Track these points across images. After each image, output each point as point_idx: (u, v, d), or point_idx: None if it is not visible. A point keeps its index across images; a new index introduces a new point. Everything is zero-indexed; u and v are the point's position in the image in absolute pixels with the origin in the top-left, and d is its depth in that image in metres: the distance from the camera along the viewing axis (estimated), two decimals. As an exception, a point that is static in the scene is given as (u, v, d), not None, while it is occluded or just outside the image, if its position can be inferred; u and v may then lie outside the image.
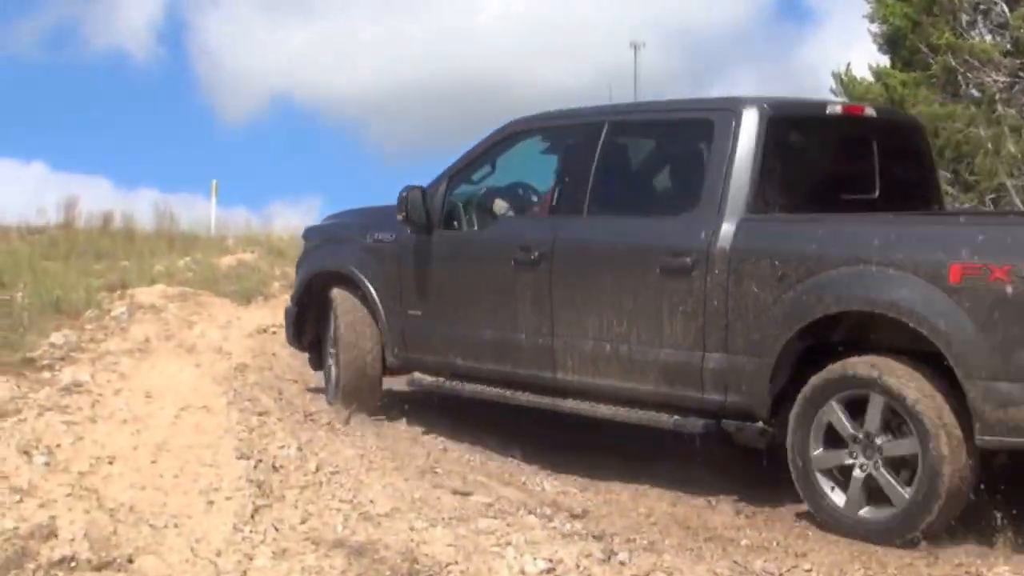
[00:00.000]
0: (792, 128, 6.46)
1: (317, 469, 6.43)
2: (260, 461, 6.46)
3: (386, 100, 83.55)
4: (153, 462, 6.45)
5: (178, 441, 6.95)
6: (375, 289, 8.04)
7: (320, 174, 71.06)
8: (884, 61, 12.83)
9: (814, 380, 5.63)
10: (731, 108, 6.24)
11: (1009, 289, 5.04)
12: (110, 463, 6.38)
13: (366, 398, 8.30)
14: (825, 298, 5.58)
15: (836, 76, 11.86)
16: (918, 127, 7.38)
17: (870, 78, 12.11)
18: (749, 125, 6.17)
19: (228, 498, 5.79)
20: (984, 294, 5.10)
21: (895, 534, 5.36)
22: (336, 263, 8.48)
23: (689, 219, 6.17)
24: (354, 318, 8.23)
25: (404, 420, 8.36)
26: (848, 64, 11.96)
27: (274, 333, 12.57)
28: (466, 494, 6.13)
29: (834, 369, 5.58)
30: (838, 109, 6.77)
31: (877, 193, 6.70)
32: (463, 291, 7.42)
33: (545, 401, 6.98)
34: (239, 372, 9.97)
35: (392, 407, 8.94)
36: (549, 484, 6.63)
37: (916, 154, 7.10)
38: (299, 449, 6.87)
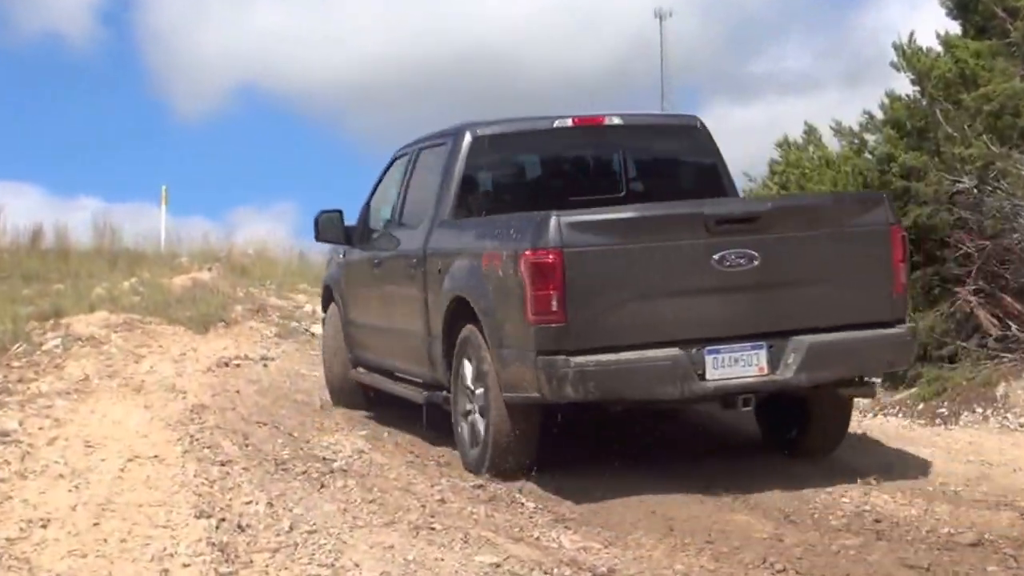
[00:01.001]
0: (504, 145, 9.18)
1: (291, 528, 6.41)
2: (223, 520, 6.45)
3: (370, 87, 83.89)
4: (95, 524, 6.41)
5: (124, 499, 6.95)
6: (340, 299, 10.92)
7: (292, 175, 71.23)
8: (954, 28, 12.84)
9: (456, 346, 8.29)
10: (456, 133, 9.10)
11: (500, 272, 7.65)
12: (44, 527, 6.37)
13: (338, 390, 11.03)
14: (449, 286, 8.32)
15: (897, 48, 11.85)
16: (691, 127, 9.46)
17: (937, 48, 12.08)
18: (461, 146, 8.99)
19: (185, 565, 5.76)
20: (494, 278, 7.73)
21: (482, 468, 8.04)
22: (327, 277, 11.49)
23: (423, 228, 8.98)
24: (332, 325, 11.05)
25: (394, 466, 8.39)
26: (912, 33, 11.92)
27: (238, 366, 12.61)
28: (470, 554, 6.11)
29: (459, 336, 8.21)
30: (568, 123, 9.15)
31: (624, 192, 9.24)
32: (359, 297, 10.51)
33: (388, 384, 9.93)
34: (196, 414, 9.99)
35: (378, 450, 8.93)
36: (567, 538, 6.58)
37: (686, 152, 9.45)
38: (269, 505, 6.85)
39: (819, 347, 7.54)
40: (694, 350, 7.44)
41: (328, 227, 10.36)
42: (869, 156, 12.56)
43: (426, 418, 9.16)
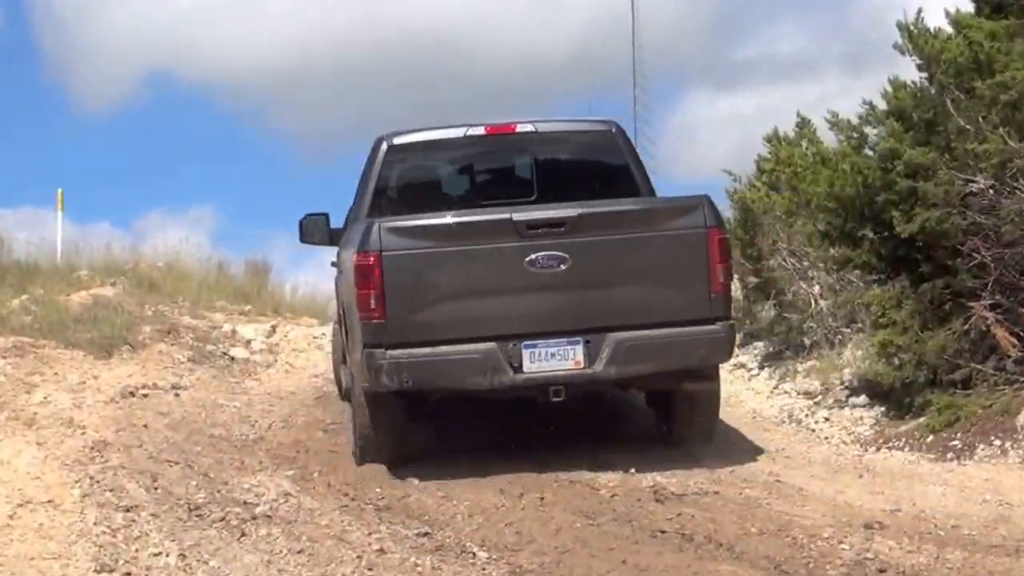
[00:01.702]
0: (420, 153, 11.17)
1: (206, 583, 6.41)
2: (128, 574, 6.41)
3: (303, 75, 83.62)
4: (-22, 580, 6.42)
5: (13, 550, 6.89)
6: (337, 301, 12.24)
7: (212, 175, 70.90)
8: (967, 6, 12.94)
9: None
10: (379, 139, 11.09)
11: (348, 276, 9.92)
12: (-82, 584, 6.34)
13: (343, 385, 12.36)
14: (336, 289, 10.73)
15: (902, 28, 11.92)
16: (604, 132, 11.22)
17: (948, 29, 12.16)
18: (378, 154, 10.99)
19: (83, 628, 5.74)
20: (346, 281, 10.23)
21: (358, 458, 10.02)
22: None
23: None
24: (335, 326, 13.10)
25: (325, 511, 8.39)
26: (919, 11, 12.00)
27: (145, 396, 12.53)
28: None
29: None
30: (480, 131, 10.96)
31: (535, 197, 10.82)
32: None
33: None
34: (97, 452, 9.93)
35: (308, 492, 8.91)
36: (526, 595, 6.63)
37: (600, 156, 11.22)
38: (181, 556, 6.83)
39: (629, 343, 9.43)
40: (511, 345, 9.40)
41: (313, 230, 11.81)
42: (870, 152, 12.61)
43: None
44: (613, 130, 11.30)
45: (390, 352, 9.37)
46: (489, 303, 9.47)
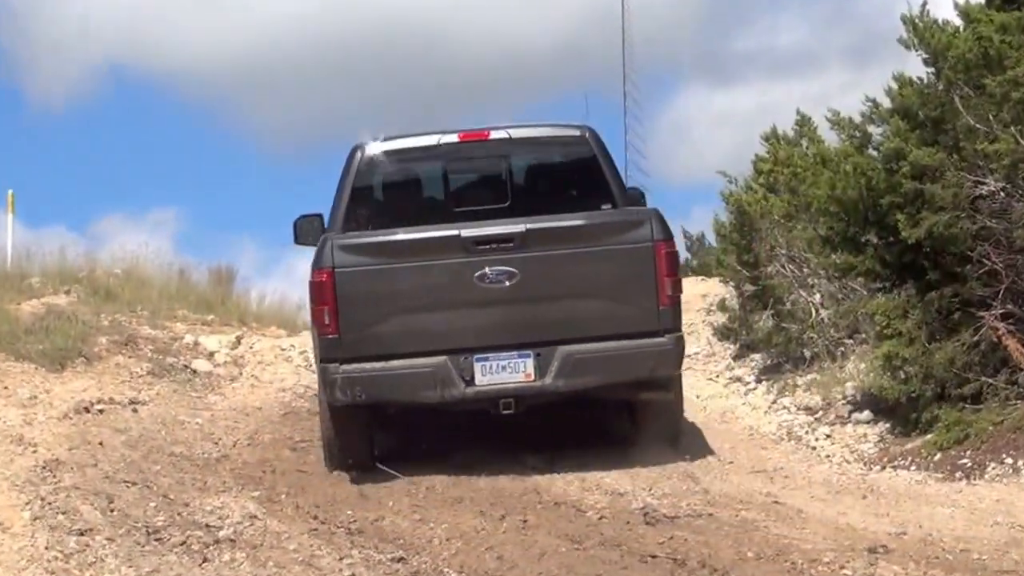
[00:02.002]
0: (395, 160, 11.70)
1: (165, 612, 6.40)
2: (81, 603, 6.39)
3: (271, 69, 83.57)
4: (-79, 609, 6.40)
5: (-42, 577, 6.86)
6: None
7: (175, 175, 70.72)
8: (976, -3, 12.96)
9: None
10: (355, 147, 11.57)
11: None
12: None
13: None
14: None
15: (907, 20, 11.95)
16: (578, 137, 11.72)
17: (957, 22, 12.19)
18: (353, 162, 11.45)
19: (33, 660, 5.72)
20: (309, 296, 10.82)
21: (327, 465, 10.82)
22: None
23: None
24: None
25: (293, 534, 8.37)
26: (925, 3, 12.03)
27: (101, 412, 12.50)
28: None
29: None
30: (454, 138, 11.61)
31: (509, 202, 11.39)
32: None
33: None
34: (49, 472, 9.90)
35: (274, 514, 8.89)
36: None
37: (573, 161, 11.80)
38: (138, 583, 6.80)
39: (578, 356, 10.33)
40: (463, 358, 10.31)
41: (307, 231, 11.98)
42: (874, 152, 12.66)
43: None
44: (586, 135, 11.86)
45: (344, 367, 10.33)
46: (440, 318, 10.39)
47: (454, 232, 10.45)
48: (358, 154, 11.66)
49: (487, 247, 10.40)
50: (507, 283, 10.35)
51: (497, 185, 11.95)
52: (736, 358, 15.99)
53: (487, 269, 10.36)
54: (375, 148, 11.71)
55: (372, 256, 10.54)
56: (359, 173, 11.62)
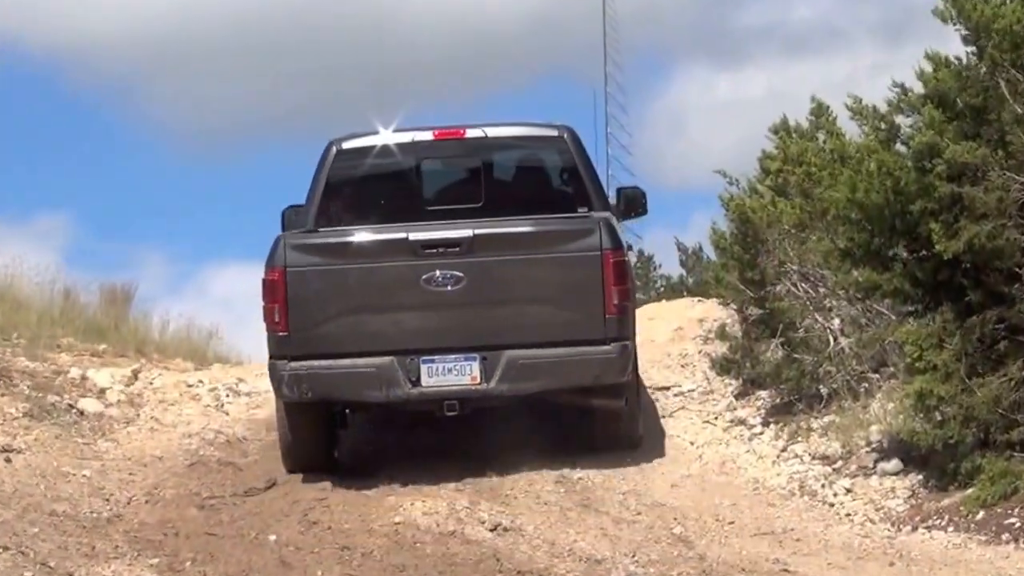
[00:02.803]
0: (363, 158, 13.97)
1: None
2: None
3: (181, 48, 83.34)
4: None
5: None
6: None
7: (65, 174, 70.48)
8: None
9: None
10: (329, 143, 13.88)
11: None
12: None
13: None
14: None
15: (945, -9, 11.99)
16: (555, 137, 14.03)
17: (1000, -9, 12.24)
18: (326, 159, 13.76)
19: None
20: None
21: (286, 466, 13.06)
22: None
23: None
24: None
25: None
26: (965, -33, 12.08)
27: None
28: None
29: None
30: (428, 136, 13.99)
31: (482, 203, 13.52)
32: None
33: None
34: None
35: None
36: None
37: (550, 162, 14.31)
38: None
39: (522, 361, 12.45)
40: (409, 360, 12.44)
41: (295, 223, 13.92)
42: (903, 148, 12.68)
43: None
44: (565, 136, 14.06)
45: (291, 364, 12.49)
46: (388, 319, 12.58)
47: (402, 235, 12.55)
48: (332, 150, 13.90)
49: (435, 251, 12.52)
50: (454, 287, 12.47)
51: (471, 185, 14.10)
52: (739, 396, 15.98)
53: (436, 272, 12.46)
54: (349, 144, 13.97)
55: (323, 256, 12.75)
56: (332, 170, 13.84)
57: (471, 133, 14.12)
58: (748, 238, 15.97)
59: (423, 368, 12.45)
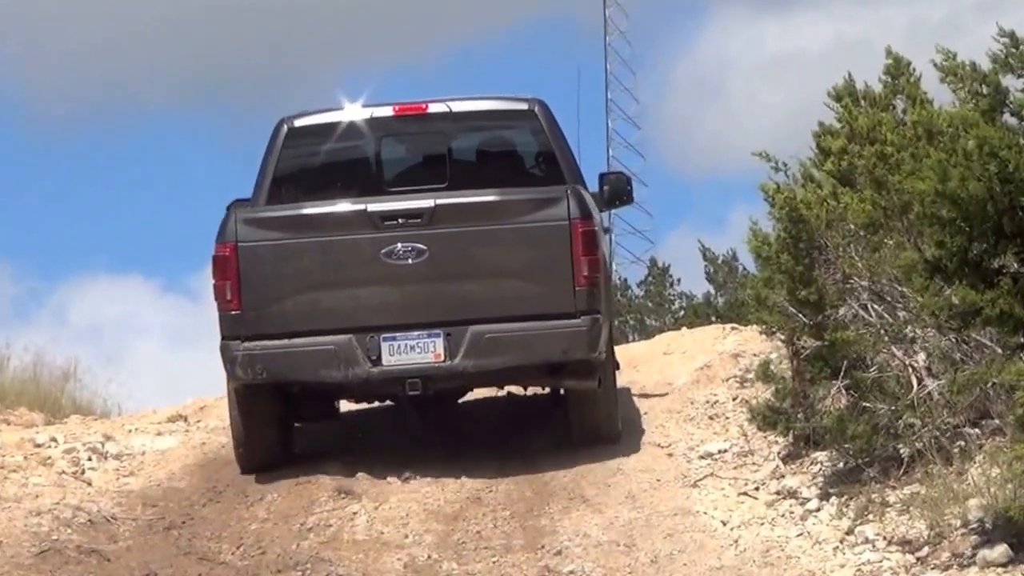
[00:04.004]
0: (316, 137, 17.00)
1: None
2: None
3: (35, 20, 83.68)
4: None
5: None
6: None
7: None
8: None
9: None
10: (279, 121, 16.79)
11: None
12: None
13: None
14: None
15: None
16: (526, 111, 17.06)
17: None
18: (277, 138, 16.78)
19: None
20: None
21: (241, 466, 16.59)
22: None
23: None
24: None
25: None
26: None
27: None
28: None
29: None
30: (388, 111, 16.95)
31: (447, 182, 16.64)
32: None
33: None
34: None
35: None
36: None
37: (519, 137, 17.63)
38: None
39: (488, 335, 15.42)
40: (369, 337, 15.38)
41: None
42: (1013, 120, 12.63)
43: None
44: (535, 109, 17.09)
45: (245, 344, 15.47)
46: (347, 295, 15.63)
47: (360, 207, 15.68)
48: (283, 128, 16.86)
49: (395, 223, 15.56)
50: (416, 260, 15.48)
51: (435, 163, 17.30)
52: (788, 459, 15.97)
53: (397, 245, 15.45)
54: (301, 122, 17.00)
55: (277, 230, 15.78)
56: (283, 150, 16.77)
57: (434, 108, 17.03)
58: (801, 243, 15.83)
59: (384, 346, 15.37)
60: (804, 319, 15.85)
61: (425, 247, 15.14)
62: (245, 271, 15.20)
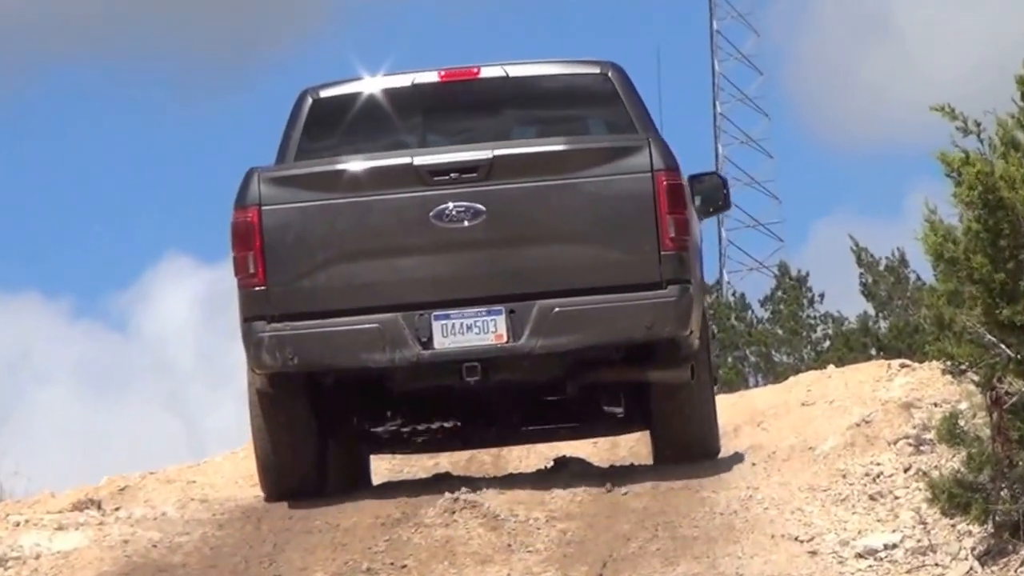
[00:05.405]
0: (350, 109, 19.83)
1: None
2: None
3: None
4: None
5: None
6: None
7: None
8: None
9: None
10: (303, 92, 20.09)
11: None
12: None
13: None
14: None
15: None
16: (598, 76, 19.12)
17: None
18: (301, 111, 19.99)
19: None
20: None
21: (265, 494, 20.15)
22: None
23: None
24: None
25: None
26: None
27: None
28: None
29: None
30: (433, 78, 19.42)
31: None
32: None
33: None
34: None
35: None
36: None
37: (592, 107, 19.79)
38: None
39: (557, 311, 16.97)
40: (418, 316, 17.08)
41: None
42: None
43: None
44: (609, 74, 19.06)
45: (272, 325, 17.25)
46: (390, 266, 17.44)
47: (406, 160, 17.46)
48: (307, 100, 19.14)
49: (447, 178, 17.36)
50: (471, 222, 17.16)
51: (487, 139, 18.83)
52: (986, 557, 15.43)
53: (448, 204, 17.25)
54: (328, 92, 19.15)
55: (307, 190, 17.62)
56: (308, 125, 18.89)
57: (488, 73, 19.03)
58: (1002, 239, 15.25)
59: (435, 325, 17.12)
60: (1008, 351, 15.29)
61: (483, 206, 16.50)
62: (270, 239, 16.71)
